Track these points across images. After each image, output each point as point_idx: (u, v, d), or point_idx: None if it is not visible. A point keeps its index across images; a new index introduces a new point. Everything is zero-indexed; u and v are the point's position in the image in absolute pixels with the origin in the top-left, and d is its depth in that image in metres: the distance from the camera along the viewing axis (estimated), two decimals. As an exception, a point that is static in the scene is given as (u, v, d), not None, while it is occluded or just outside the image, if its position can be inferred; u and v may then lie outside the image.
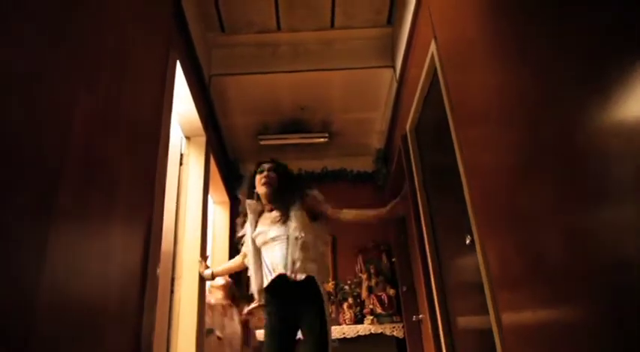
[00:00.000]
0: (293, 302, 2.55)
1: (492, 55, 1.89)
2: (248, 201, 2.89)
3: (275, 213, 2.76)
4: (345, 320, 4.76)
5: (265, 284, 2.65)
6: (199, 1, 3.78)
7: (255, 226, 2.82)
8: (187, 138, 3.60)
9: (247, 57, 4.26)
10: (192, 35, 3.29)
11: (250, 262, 2.77)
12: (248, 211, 2.86)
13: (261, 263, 2.72)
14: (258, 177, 2.86)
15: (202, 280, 3.29)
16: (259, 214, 2.88)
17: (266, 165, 2.90)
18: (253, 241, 2.79)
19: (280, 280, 2.58)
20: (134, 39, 2.05)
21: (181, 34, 3.12)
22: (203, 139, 3.64)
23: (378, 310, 4.75)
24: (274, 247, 2.66)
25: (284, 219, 2.70)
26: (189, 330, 3.06)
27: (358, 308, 4.86)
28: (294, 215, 2.70)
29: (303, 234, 2.64)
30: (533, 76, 1.54)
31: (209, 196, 3.98)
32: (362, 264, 5.28)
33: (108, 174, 1.70)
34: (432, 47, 2.72)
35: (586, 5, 1.24)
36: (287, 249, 2.60)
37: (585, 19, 1.24)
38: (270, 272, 2.63)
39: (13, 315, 1.10)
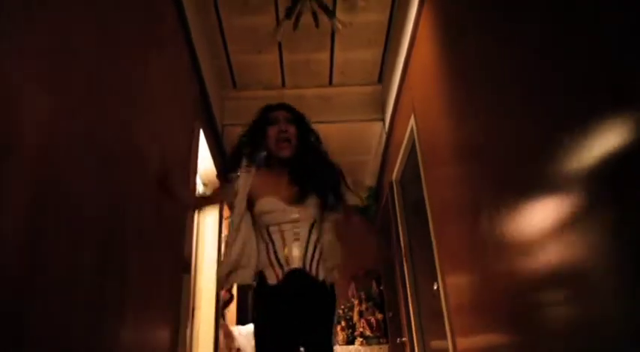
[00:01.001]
0: (301, 306, 1.88)
1: (453, 127, 2.52)
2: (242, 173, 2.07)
3: (289, 185, 2.01)
4: (338, 341, 5.32)
5: (270, 277, 1.91)
6: (217, 65, 4.43)
7: (256, 191, 2.01)
8: (205, 184, 4.21)
9: (255, 109, 4.88)
10: (210, 99, 3.92)
11: (240, 236, 1.95)
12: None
13: (264, 244, 1.96)
14: (271, 129, 2.04)
15: (218, 310, 3.87)
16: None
17: (280, 113, 2.10)
18: (250, 207, 2.00)
19: (295, 276, 1.90)
20: (170, 119, 2.68)
21: (202, 101, 3.75)
22: (217, 185, 4.25)
23: (367, 332, 5.32)
24: (290, 232, 1.94)
25: (301, 198, 1.98)
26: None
27: (350, 330, 5.43)
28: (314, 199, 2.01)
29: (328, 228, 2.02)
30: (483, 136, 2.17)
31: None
32: (354, 290, 5.86)
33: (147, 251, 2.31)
34: (412, 121, 3.36)
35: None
36: (309, 238, 1.94)
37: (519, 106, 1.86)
38: (278, 262, 1.91)
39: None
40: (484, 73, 1.94)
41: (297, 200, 1.96)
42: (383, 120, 4.84)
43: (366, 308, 5.51)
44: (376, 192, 5.98)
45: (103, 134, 1.72)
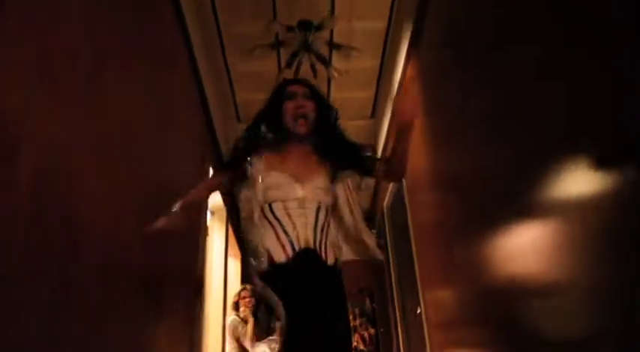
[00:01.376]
0: (314, 287, 1.71)
1: (433, 158, 2.96)
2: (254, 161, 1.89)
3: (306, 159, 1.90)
4: None
5: (278, 255, 1.75)
6: (223, 102, 4.88)
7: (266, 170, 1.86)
8: (212, 212, 4.64)
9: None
10: (217, 134, 4.36)
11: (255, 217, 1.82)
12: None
13: (269, 223, 1.80)
14: (288, 104, 1.91)
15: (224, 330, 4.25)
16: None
17: (299, 87, 1.98)
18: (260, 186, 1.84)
19: (307, 255, 1.75)
20: (183, 160, 3.12)
21: (210, 136, 4.19)
22: (224, 213, 4.69)
23: (361, 347, 5.72)
24: (297, 210, 1.79)
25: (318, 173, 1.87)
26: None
27: (345, 344, 5.84)
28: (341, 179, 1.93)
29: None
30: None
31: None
32: (349, 306, 6.29)
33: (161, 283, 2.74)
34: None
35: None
36: (317, 219, 1.80)
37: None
38: (289, 240, 1.75)
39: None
40: (460, 111, 2.32)
41: (310, 176, 1.82)
42: (375, 150, 5.29)
43: (360, 324, 5.93)
44: (370, 215, 6.42)
45: (131, 171, 2.15)
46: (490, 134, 1.96)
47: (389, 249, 4.60)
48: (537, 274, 1.62)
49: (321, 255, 1.75)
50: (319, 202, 1.81)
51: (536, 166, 1.55)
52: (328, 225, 1.83)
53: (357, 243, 1.93)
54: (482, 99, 2.04)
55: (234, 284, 5.83)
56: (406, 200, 3.54)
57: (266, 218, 1.80)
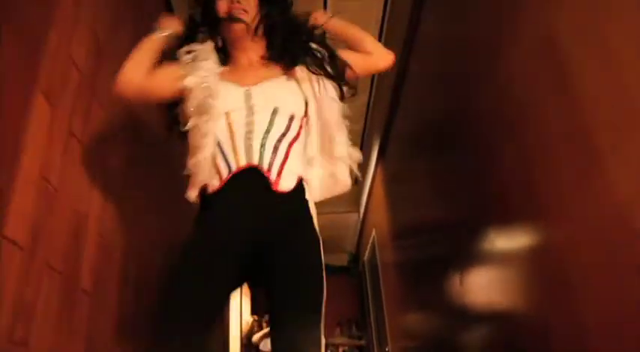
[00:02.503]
0: (261, 225, 1.26)
1: (392, 222, 4.26)
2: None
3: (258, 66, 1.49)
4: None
5: (212, 184, 1.31)
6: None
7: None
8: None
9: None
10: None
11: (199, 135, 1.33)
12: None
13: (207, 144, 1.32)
14: (221, 3, 1.46)
15: None
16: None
17: None
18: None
19: (247, 179, 1.28)
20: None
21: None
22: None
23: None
24: (241, 121, 1.33)
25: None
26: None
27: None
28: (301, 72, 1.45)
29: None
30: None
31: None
32: (339, 333, 7.57)
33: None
34: (373, 232, 5.12)
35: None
36: (271, 126, 1.33)
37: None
38: (226, 161, 1.30)
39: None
40: (409, 195, 3.55)
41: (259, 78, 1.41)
42: (358, 212, 6.62)
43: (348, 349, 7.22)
44: (355, 257, 7.73)
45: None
46: (432, 202, 2.88)
47: (369, 295, 5.91)
48: (478, 306, 2.08)
49: (268, 176, 1.27)
50: (275, 107, 1.36)
51: (462, 225, 2.24)
52: (291, 139, 1.35)
53: (329, 164, 1.46)
54: (427, 180, 3.00)
55: (245, 316, 7.13)
56: (377, 255, 4.86)
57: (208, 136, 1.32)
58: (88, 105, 1.53)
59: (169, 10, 2.62)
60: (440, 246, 2.70)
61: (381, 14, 3.32)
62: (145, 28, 1.48)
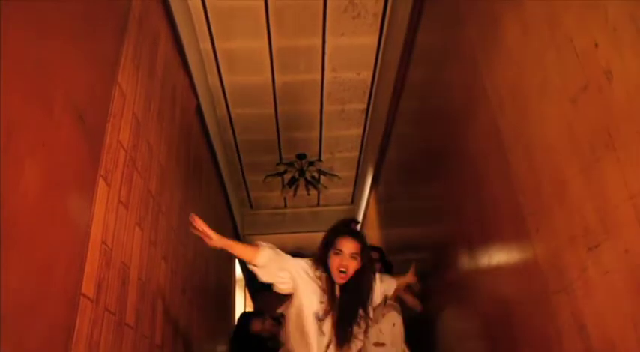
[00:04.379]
0: None
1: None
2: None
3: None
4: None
5: None
6: (239, 197, 6.55)
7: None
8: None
9: (266, 222, 7.03)
10: (235, 219, 6.00)
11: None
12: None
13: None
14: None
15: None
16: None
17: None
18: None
19: None
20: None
21: (231, 221, 5.82)
22: (242, 281, 6.32)
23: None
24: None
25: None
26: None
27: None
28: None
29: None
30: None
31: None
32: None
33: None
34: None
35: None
36: None
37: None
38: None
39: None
40: (397, 212, 4.00)
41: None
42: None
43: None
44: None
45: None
46: (413, 222, 3.56)
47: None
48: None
49: None
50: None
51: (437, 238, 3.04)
52: None
53: None
54: (411, 203, 3.66)
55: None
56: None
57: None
58: (130, 175, 1.90)
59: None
60: (425, 263, 3.12)
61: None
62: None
